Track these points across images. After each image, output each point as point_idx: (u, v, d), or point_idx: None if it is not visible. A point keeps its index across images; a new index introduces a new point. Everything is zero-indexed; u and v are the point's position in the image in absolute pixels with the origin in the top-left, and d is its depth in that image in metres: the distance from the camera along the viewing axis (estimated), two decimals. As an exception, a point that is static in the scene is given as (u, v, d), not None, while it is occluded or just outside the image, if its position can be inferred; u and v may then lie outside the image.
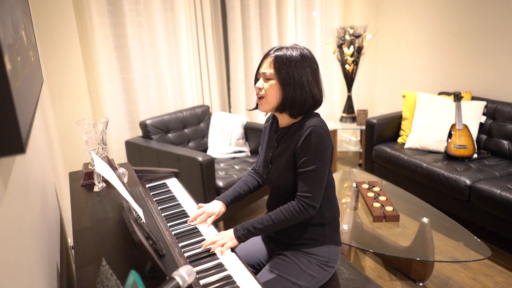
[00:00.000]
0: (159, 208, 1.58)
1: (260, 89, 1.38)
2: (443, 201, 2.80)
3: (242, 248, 1.59)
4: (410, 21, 3.90)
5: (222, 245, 1.30)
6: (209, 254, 1.28)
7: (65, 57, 2.81)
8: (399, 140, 3.41)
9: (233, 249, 1.33)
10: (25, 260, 0.77)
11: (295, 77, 1.33)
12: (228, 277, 1.18)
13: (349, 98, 4.13)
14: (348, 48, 3.84)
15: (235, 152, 3.32)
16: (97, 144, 1.47)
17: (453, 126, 3.03)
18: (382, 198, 2.43)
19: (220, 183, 2.72)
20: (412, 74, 4.00)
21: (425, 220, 2.23)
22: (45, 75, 2.49)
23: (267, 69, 1.36)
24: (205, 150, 3.40)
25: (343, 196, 2.63)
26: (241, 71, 3.81)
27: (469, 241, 2.09)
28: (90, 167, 1.56)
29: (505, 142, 2.90)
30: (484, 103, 3.08)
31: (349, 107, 4.14)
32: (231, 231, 1.37)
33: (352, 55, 3.86)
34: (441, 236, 2.15)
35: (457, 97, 3.11)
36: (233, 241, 1.33)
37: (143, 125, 3.10)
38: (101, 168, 1.17)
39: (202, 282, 1.14)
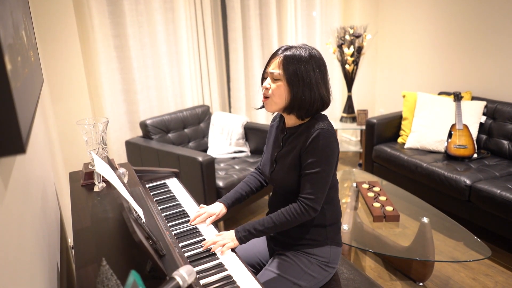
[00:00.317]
0: (159, 208, 1.58)
1: (267, 89, 1.36)
2: (443, 201, 2.80)
3: (242, 247, 1.59)
4: (410, 21, 3.90)
5: (223, 246, 1.30)
6: (209, 254, 1.28)
7: (65, 57, 2.81)
8: (399, 140, 3.41)
9: (233, 249, 1.33)
10: (25, 259, 0.78)
11: (304, 78, 1.31)
12: (228, 277, 1.18)
13: (349, 98, 4.13)
14: (348, 48, 3.84)
15: (235, 152, 3.32)
16: (97, 144, 1.47)
17: (453, 126, 3.03)
18: (382, 198, 2.43)
19: (220, 183, 2.72)
20: (412, 74, 4.00)
21: (425, 220, 2.23)
22: (45, 75, 2.49)
23: (275, 69, 1.34)
24: (205, 150, 3.40)
25: (343, 196, 2.63)
26: (241, 71, 3.81)
27: (469, 241, 2.09)
28: (90, 167, 1.56)
29: (505, 142, 2.90)
30: (484, 103, 3.08)
31: (349, 107, 4.14)
32: (232, 232, 1.37)
33: (352, 55, 3.86)
34: (441, 236, 2.15)
35: (457, 97, 3.11)
36: (233, 242, 1.33)
37: (143, 125, 3.10)
38: (101, 168, 1.17)
39: (202, 282, 1.14)
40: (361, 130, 4.08)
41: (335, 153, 1.35)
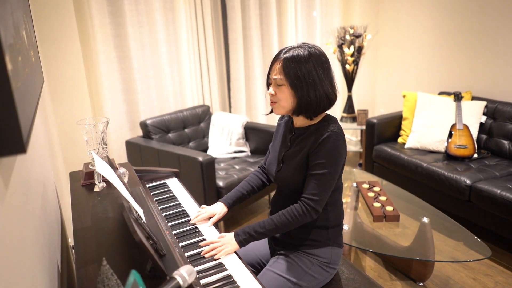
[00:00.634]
0: (159, 208, 1.58)
1: (273, 95, 1.37)
2: (443, 201, 2.80)
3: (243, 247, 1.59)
4: (411, 21, 3.90)
5: (222, 251, 1.29)
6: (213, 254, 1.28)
7: (65, 57, 2.81)
8: (399, 140, 3.41)
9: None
10: (26, 259, 0.78)
11: (306, 78, 1.30)
12: (229, 277, 1.18)
13: (349, 98, 4.13)
14: (349, 48, 3.84)
15: (235, 152, 3.32)
16: (98, 144, 1.48)
17: (453, 126, 3.03)
18: (383, 198, 2.43)
19: (221, 183, 2.72)
20: (412, 74, 4.00)
21: (425, 220, 2.23)
22: (46, 75, 2.49)
23: (277, 75, 1.34)
24: (205, 150, 3.40)
25: (343, 196, 2.62)
26: (242, 71, 3.81)
27: (469, 241, 2.09)
28: (91, 167, 1.56)
29: (505, 142, 2.90)
30: (484, 103, 3.08)
31: (349, 107, 4.14)
32: (231, 235, 1.35)
33: (352, 55, 3.86)
34: (441, 236, 2.15)
35: (457, 97, 3.11)
36: (232, 247, 1.31)
37: (143, 125, 3.11)
38: (102, 168, 1.17)
39: (202, 282, 1.15)
40: (361, 130, 4.08)
41: (343, 156, 1.35)
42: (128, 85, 3.24)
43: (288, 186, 1.44)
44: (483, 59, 3.27)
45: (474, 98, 3.24)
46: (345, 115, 4.16)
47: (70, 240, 1.86)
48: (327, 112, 1.43)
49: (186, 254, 1.28)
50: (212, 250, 1.29)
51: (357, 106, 4.37)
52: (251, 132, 3.34)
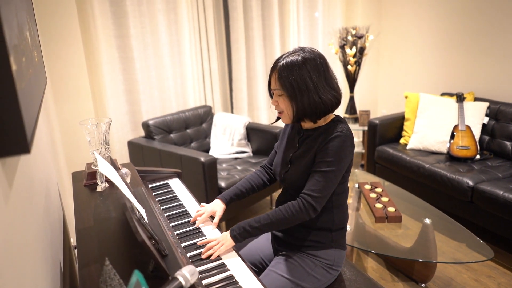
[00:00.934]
0: (161, 208, 1.58)
1: (276, 106, 1.38)
2: (446, 202, 2.80)
3: (246, 246, 1.59)
4: (413, 22, 3.89)
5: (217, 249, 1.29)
6: (212, 254, 1.29)
7: (68, 58, 2.82)
8: (402, 141, 3.41)
9: (235, 249, 1.33)
10: (29, 259, 0.78)
11: (300, 85, 1.30)
12: (231, 277, 1.18)
13: (351, 99, 4.12)
14: (351, 49, 3.84)
15: (237, 153, 3.33)
16: (100, 144, 1.48)
17: (455, 127, 3.02)
18: (384, 199, 2.42)
19: (222, 184, 2.72)
20: (414, 75, 3.99)
21: (427, 221, 2.23)
22: (49, 75, 2.50)
23: (274, 86, 1.36)
24: (207, 150, 3.40)
25: (345, 196, 2.62)
26: (244, 72, 3.81)
27: (471, 242, 2.09)
28: (93, 167, 1.56)
29: (508, 143, 2.90)
30: (487, 104, 3.07)
31: (351, 107, 4.14)
32: (227, 233, 1.36)
33: (354, 56, 3.85)
34: (444, 237, 2.15)
35: (460, 98, 3.11)
36: (226, 244, 1.31)
37: (145, 126, 3.11)
38: (104, 168, 1.17)
39: (204, 282, 1.15)
40: (363, 131, 4.08)
41: (348, 157, 1.35)
42: (130, 86, 3.25)
43: (295, 187, 1.43)
44: (485, 60, 3.26)
45: (476, 99, 3.23)
46: (347, 116, 4.16)
47: (73, 240, 1.87)
48: (336, 113, 1.43)
49: (188, 255, 1.28)
50: (209, 249, 1.29)
51: (359, 107, 4.37)
52: (253, 132, 3.35)
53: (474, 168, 2.80)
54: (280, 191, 1.62)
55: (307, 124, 1.43)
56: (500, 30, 3.11)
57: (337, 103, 1.37)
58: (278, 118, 1.45)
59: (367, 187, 2.61)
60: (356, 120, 4.12)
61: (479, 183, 2.56)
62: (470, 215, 2.63)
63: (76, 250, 1.18)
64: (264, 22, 3.84)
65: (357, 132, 4.61)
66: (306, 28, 4.11)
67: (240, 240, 1.35)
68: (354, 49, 3.82)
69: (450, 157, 2.98)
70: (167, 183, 1.81)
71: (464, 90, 3.44)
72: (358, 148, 4.31)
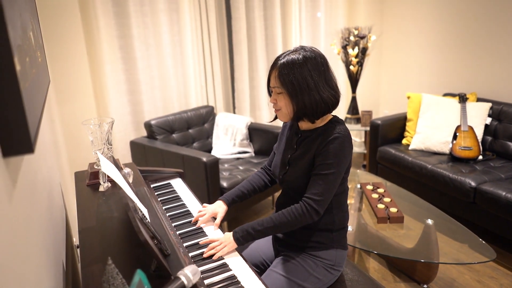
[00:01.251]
0: (163, 208, 1.58)
1: (275, 104, 1.38)
2: (448, 202, 2.79)
3: (248, 247, 1.59)
4: (415, 22, 3.89)
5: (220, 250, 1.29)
6: (213, 254, 1.29)
7: (71, 58, 2.83)
8: (404, 141, 3.40)
9: (237, 249, 1.33)
10: (32, 258, 0.78)
11: (300, 84, 1.29)
12: (233, 277, 1.18)
13: (354, 99, 4.12)
14: (353, 49, 3.84)
15: (239, 153, 3.33)
16: (103, 144, 1.48)
17: (458, 127, 3.02)
18: (387, 199, 2.42)
19: (224, 184, 2.73)
20: (417, 75, 3.98)
21: (429, 221, 2.22)
22: (52, 75, 2.51)
23: (274, 84, 1.35)
24: (209, 150, 3.40)
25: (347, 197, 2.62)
26: (246, 72, 3.82)
27: (474, 243, 2.08)
28: (96, 167, 1.57)
29: (511, 144, 2.89)
30: (490, 104, 3.07)
31: (353, 108, 4.13)
32: (230, 234, 1.36)
33: (356, 56, 3.85)
34: (446, 238, 2.14)
35: (462, 99, 3.10)
36: (229, 246, 1.31)
37: (147, 125, 3.12)
38: (107, 168, 1.18)
39: (206, 282, 1.15)
40: (366, 131, 4.08)
41: (348, 158, 1.35)
42: (132, 86, 3.25)
43: (294, 188, 1.43)
44: (488, 60, 3.26)
45: (479, 99, 3.22)
46: (349, 116, 4.16)
47: (75, 240, 1.87)
48: (334, 114, 1.43)
49: (190, 254, 1.28)
50: (211, 249, 1.29)
51: (361, 107, 4.37)
52: (255, 132, 3.35)
53: (477, 169, 2.79)
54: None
55: (304, 125, 1.42)
56: (503, 30, 3.11)
57: (336, 103, 1.37)
58: (276, 117, 1.45)
59: (369, 187, 2.61)
60: (358, 121, 4.12)
61: (481, 184, 2.55)
62: (473, 216, 2.63)
63: (78, 250, 1.19)
64: (266, 23, 3.85)
65: (359, 132, 4.61)
66: (308, 29, 4.11)
67: (242, 243, 1.35)
68: (356, 50, 3.82)
69: (453, 158, 2.98)
70: (169, 183, 1.81)
71: (466, 90, 3.43)
72: (360, 149, 4.31)
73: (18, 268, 0.65)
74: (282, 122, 1.58)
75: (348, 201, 2.53)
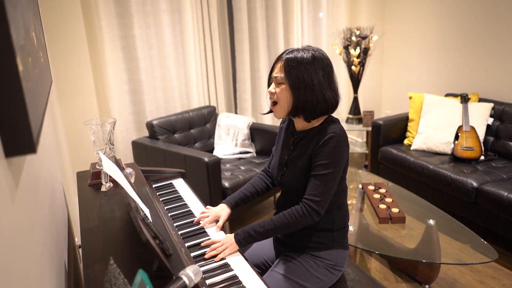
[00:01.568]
0: (165, 208, 1.59)
1: (272, 93, 1.37)
2: (450, 203, 2.79)
3: (249, 248, 1.59)
4: (417, 22, 3.88)
5: (222, 251, 1.29)
6: (215, 255, 1.29)
7: (73, 58, 2.84)
8: (406, 141, 3.40)
9: (239, 249, 1.33)
10: (35, 258, 0.79)
11: (306, 80, 1.30)
12: (234, 277, 1.18)
13: (355, 99, 4.12)
14: (355, 49, 3.84)
15: (241, 153, 3.33)
16: (105, 144, 1.49)
17: (460, 127, 3.01)
18: (388, 199, 2.42)
19: (226, 184, 2.73)
20: (418, 75, 3.98)
21: (431, 222, 2.22)
22: (54, 75, 2.52)
23: (278, 73, 1.34)
24: (211, 150, 3.41)
25: (349, 197, 2.62)
26: (247, 72, 3.82)
27: (475, 243, 2.08)
28: (98, 167, 1.57)
29: (513, 144, 2.88)
30: (492, 104, 3.06)
31: (355, 108, 4.13)
32: (232, 236, 1.36)
33: (358, 56, 3.85)
34: (448, 238, 2.14)
35: (464, 99, 3.10)
36: (231, 248, 1.31)
37: (149, 126, 3.12)
38: (109, 168, 1.18)
39: (208, 282, 1.15)
40: (367, 132, 4.07)
41: (344, 157, 1.35)
42: (134, 86, 3.26)
43: (293, 189, 1.43)
44: (490, 60, 3.25)
45: (481, 100, 3.22)
46: (351, 116, 4.15)
47: (77, 239, 1.88)
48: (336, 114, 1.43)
49: (192, 254, 1.28)
50: (212, 250, 1.29)
51: (363, 108, 4.36)
52: (257, 133, 3.35)
53: (479, 169, 2.78)
54: (281, 193, 1.62)
55: (300, 125, 1.42)
56: (505, 30, 3.10)
57: (335, 106, 1.37)
58: (270, 111, 1.44)
59: (371, 187, 2.61)
60: (360, 121, 4.11)
61: (483, 184, 2.55)
62: (474, 216, 2.62)
63: (80, 249, 1.19)
64: (268, 23, 3.85)
65: (361, 132, 4.61)
66: (310, 29, 4.11)
67: (244, 245, 1.35)
68: (358, 50, 3.82)
69: (454, 158, 2.97)
70: (171, 183, 1.81)
71: (468, 90, 3.42)
72: (362, 149, 4.31)
73: (20, 268, 0.65)
74: (280, 123, 1.59)
75: (350, 201, 2.54)
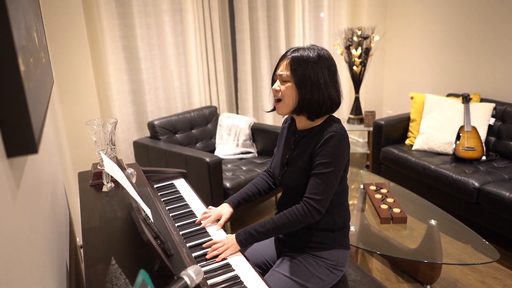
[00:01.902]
0: (167, 208, 1.59)
1: (277, 91, 1.37)
2: (451, 203, 2.78)
3: (250, 247, 1.59)
4: (418, 23, 3.88)
5: (223, 252, 1.29)
6: (217, 255, 1.29)
7: (74, 58, 2.84)
8: (407, 141, 3.39)
9: (240, 249, 1.33)
10: (37, 258, 0.79)
11: (312, 78, 1.30)
12: (236, 277, 1.18)
13: (357, 100, 4.11)
14: (356, 49, 3.83)
15: (242, 153, 3.33)
16: (106, 144, 1.49)
17: (461, 128, 3.01)
18: (390, 199, 2.42)
19: (227, 184, 2.73)
20: (420, 75, 3.97)
21: (432, 222, 2.22)
22: (55, 76, 2.52)
23: (284, 71, 1.34)
24: (212, 151, 3.41)
25: (350, 197, 2.62)
26: (249, 72, 3.82)
27: (477, 243, 2.07)
28: (99, 167, 1.57)
29: (515, 144, 2.88)
30: (493, 105, 3.06)
31: (356, 108, 4.13)
32: (233, 236, 1.36)
33: (359, 57, 3.85)
34: (449, 239, 2.14)
35: (466, 99, 3.09)
36: (232, 248, 1.31)
37: (151, 126, 3.12)
38: (110, 168, 1.18)
39: (209, 282, 1.15)
40: (369, 132, 4.07)
41: (345, 156, 1.35)
42: (136, 86, 3.26)
43: (294, 189, 1.43)
44: (491, 60, 3.24)
45: (482, 100, 3.21)
46: (352, 116, 4.15)
47: (79, 240, 1.88)
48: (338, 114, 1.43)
49: (194, 255, 1.29)
50: (213, 250, 1.29)
51: (364, 108, 4.36)
52: (258, 133, 3.35)
53: (480, 169, 2.78)
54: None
55: (302, 124, 1.43)
56: (506, 31, 3.09)
57: (338, 104, 1.38)
58: (274, 108, 1.44)
59: (372, 188, 2.60)
60: (361, 121, 4.11)
61: (485, 184, 2.54)
62: (476, 217, 2.62)
63: (82, 250, 1.19)
64: (270, 23, 3.85)
65: (362, 132, 4.60)
66: (312, 29, 4.10)
67: (245, 245, 1.35)
68: (359, 50, 3.81)
69: (456, 158, 2.97)
70: (172, 183, 1.81)
71: (470, 91, 3.42)
72: (363, 149, 4.30)
73: (21, 268, 0.65)
74: (281, 124, 1.59)
75: (351, 202, 2.54)
